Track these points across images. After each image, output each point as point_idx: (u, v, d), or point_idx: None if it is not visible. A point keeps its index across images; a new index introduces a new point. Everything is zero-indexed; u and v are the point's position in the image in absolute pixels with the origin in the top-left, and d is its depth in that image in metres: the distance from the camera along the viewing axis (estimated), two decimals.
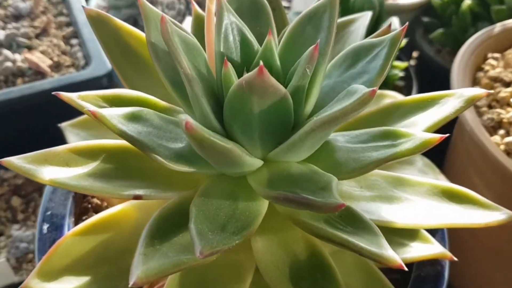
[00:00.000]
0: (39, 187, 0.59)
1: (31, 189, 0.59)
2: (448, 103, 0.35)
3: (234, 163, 0.29)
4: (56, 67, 0.62)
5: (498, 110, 0.50)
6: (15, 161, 0.33)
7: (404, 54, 0.74)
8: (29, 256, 0.52)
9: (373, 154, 0.32)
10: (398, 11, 0.72)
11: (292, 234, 0.34)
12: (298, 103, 0.31)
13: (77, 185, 0.33)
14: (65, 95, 0.34)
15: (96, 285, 0.35)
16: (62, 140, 0.48)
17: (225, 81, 0.31)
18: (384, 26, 0.60)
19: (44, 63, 0.61)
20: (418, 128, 0.36)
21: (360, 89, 0.28)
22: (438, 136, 0.30)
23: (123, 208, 0.37)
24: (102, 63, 0.61)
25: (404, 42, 0.68)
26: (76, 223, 0.42)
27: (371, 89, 0.27)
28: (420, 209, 0.36)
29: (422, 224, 0.34)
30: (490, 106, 0.51)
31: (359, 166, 0.32)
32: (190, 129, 0.26)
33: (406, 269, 0.27)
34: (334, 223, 0.30)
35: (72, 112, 0.44)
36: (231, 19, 0.34)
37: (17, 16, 0.70)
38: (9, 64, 0.60)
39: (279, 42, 0.36)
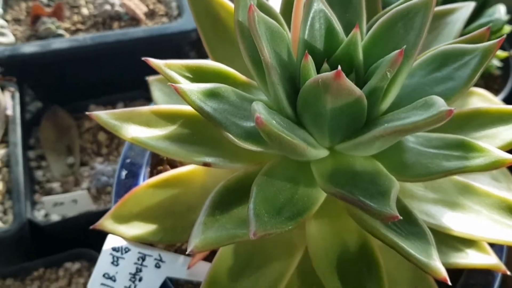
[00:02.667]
0: None
1: None
2: None
3: (299, 155, 0.31)
4: (151, 15, 0.65)
5: None
6: (103, 116, 0.36)
7: (507, 42, 0.69)
8: (107, 188, 0.58)
9: (442, 163, 0.32)
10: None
11: (346, 223, 0.35)
12: (373, 103, 0.31)
13: (154, 146, 0.36)
14: (154, 62, 0.36)
15: (162, 234, 0.38)
16: (148, 74, 0.50)
17: (303, 72, 0.31)
18: (487, 16, 0.57)
19: (140, 10, 0.64)
20: (497, 141, 0.35)
21: (439, 103, 0.27)
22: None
23: (193, 169, 0.40)
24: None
25: (509, 29, 0.63)
26: (151, 172, 0.46)
27: (448, 108, 0.26)
28: (481, 221, 0.35)
29: (478, 236, 0.34)
30: None
31: (425, 173, 0.32)
32: (260, 124, 0.27)
33: (450, 283, 0.28)
34: (387, 235, 0.31)
35: (163, 56, 0.47)
36: (320, 7, 0.34)
37: None
38: (108, 7, 0.63)
39: (367, 31, 0.36)
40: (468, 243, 0.38)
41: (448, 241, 0.38)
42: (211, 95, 0.33)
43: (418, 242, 0.30)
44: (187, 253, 0.28)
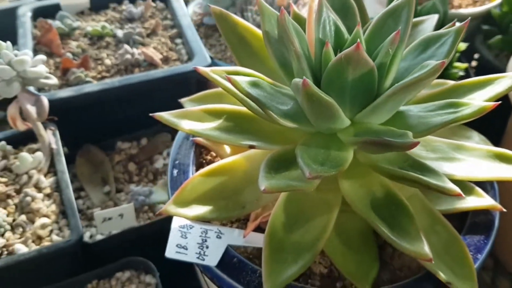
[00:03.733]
0: (149, 157, 0.71)
1: (143, 157, 0.71)
2: (501, 83, 0.43)
3: (331, 116, 0.38)
4: (165, 60, 0.75)
5: None
6: (165, 115, 0.44)
7: (465, 57, 0.81)
8: (144, 208, 0.64)
9: (438, 118, 0.40)
10: (460, 19, 0.78)
11: (371, 179, 0.42)
12: (381, 76, 0.40)
13: (208, 134, 0.43)
14: (202, 69, 0.44)
15: (216, 213, 0.45)
16: None
17: (325, 58, 0.40)
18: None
19: (156, 56, 0.73)
20: (477, 100, 0.44)
21: (432, 62, 0.36)
22: (492, 103, 0.38)
23: (236, 159, 0.47)
24: (203, 58, 0.73)
25: (464, 46, 0.75)
26: (197, 171, 0.53)
27: (440, 61, 0.35)
28: (475, 166, 0.43)
29: (476, 176, 0.42)
30: None
31: (427, 128, 0.40)
32: (306, 85, 0.35)
33: (464, 196, 0.35)
34: (406, 169, 0.39)
35: (177, 94, 0.54)
36: (328, 14, 0.43)
37: (130, 19, 0.83)
38: (128, 56, 0.72)
39: (364, 32, 0.45)
40: (468, 192, 0.46)
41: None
42: (254, 85, 0.41)
43: (432, 176, 0.38)
44: (261, 190, 0.35)
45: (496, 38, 0.78)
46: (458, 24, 0.68)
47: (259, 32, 0.49)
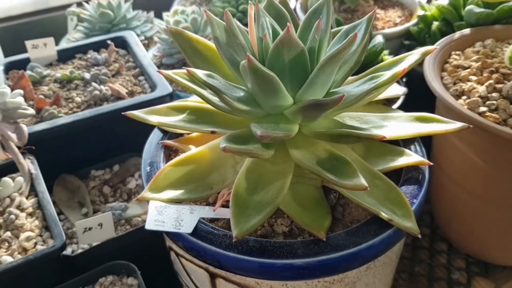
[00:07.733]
0: (123, 180, 0.75)
1: (116, 181, 0.75)
2: (410, 58, 0.52)
3: (275, 91, 0.45)
4: (131, 94, 0.81)
5: (460, 84, 0.66)
6: (136, 112, 0.50)
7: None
8: (122, 221, 0.67)
9: (363, 87, 0.48)
10: (384, 37, 0.90)
11: (316, 147, 0.49)
12: (312, 59, 0.47)
13: (175, 125, 0.50)
14: (165, 72, 0.51)
15: (187, 194, 0.50)
16: (136, 140, 0.64)
17: (265, 47, 0.47)
18: (373, 42, 0.78)
19: (122, 90, 0.79)
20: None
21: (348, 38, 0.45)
22: (402, 69, 0.46)
23: (201, 149, 0.53)
24: (165, 88, 0.80)
25: (388, 58, 0.85)
26: None
27: (354, 33, 0.43)
28: (401, 128, 0.51)
29: (402, 134, 0.49)
30: (454, 83, 0.68)
31: (355, 96, 0.47)
32: (250, 60, 0.42)
33: (387, 137, 0.42)
34: (341, 129, 0.46)
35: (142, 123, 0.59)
36: (265, 18, 0.52)
37: (96, 64, 0.90)
38: (97, 92, 0.79)
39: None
40: (400, 154, 0.53)
41: (386, 156, 0.54)
42: (210, 76, 0.48)
43: (362, 129, 0.45)
44: (221, 148, 0.41)
45: None
46: (379, 37, 0.79)
47: (210, 43, 0.57)
